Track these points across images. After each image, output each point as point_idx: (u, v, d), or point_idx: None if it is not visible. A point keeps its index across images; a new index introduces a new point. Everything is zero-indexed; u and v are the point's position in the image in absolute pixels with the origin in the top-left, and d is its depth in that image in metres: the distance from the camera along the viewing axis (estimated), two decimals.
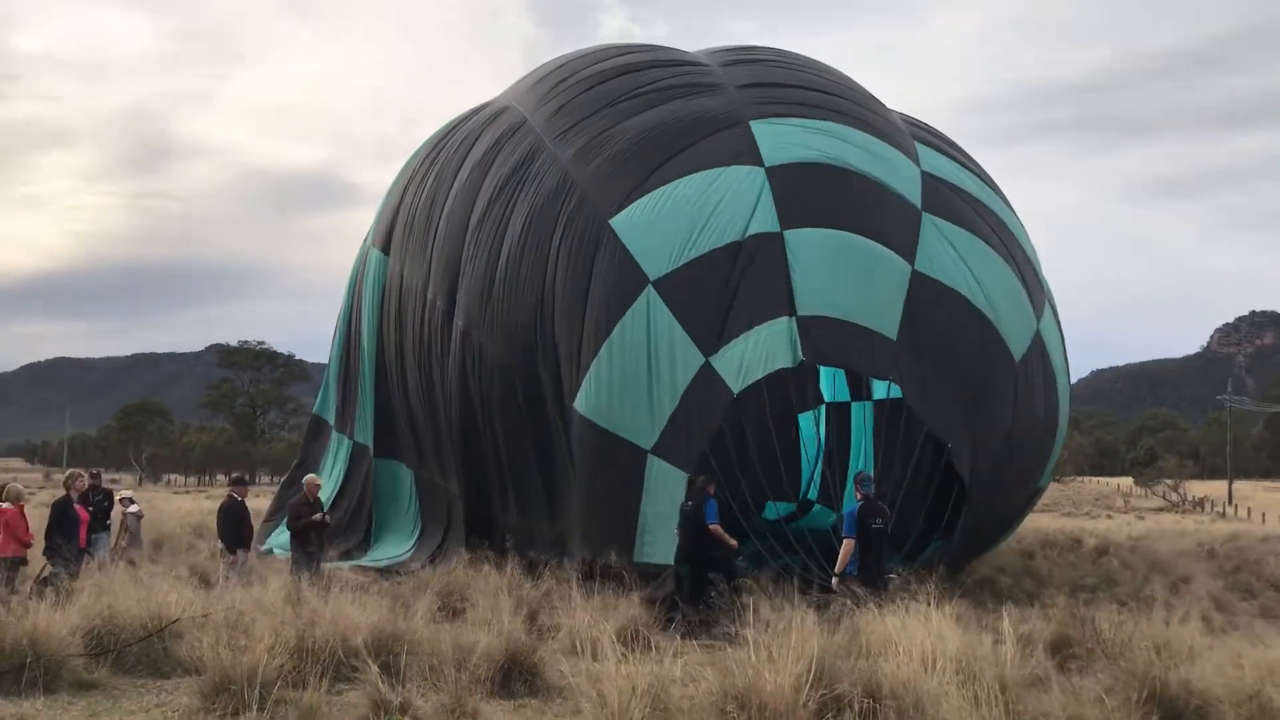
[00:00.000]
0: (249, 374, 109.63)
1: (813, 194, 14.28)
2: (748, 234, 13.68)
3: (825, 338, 13.29)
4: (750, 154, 14.62)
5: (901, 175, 15.28)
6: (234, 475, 15.40)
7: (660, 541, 12.36)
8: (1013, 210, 17.39)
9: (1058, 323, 16.62)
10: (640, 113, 15.42)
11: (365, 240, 20.43)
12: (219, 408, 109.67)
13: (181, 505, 37.33)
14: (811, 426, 18.97)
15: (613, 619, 9.64)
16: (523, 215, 14.88)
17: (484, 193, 15.92)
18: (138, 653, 8.45)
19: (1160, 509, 62.52)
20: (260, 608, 8.55)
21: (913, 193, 15.10)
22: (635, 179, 14.34)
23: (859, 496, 11.17)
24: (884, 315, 13.64)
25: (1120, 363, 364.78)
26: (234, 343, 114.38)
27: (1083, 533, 27.33)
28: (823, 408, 18.63)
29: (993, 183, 17.62)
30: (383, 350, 18.43)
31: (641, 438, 12.72)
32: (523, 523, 14.67)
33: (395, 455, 18.18)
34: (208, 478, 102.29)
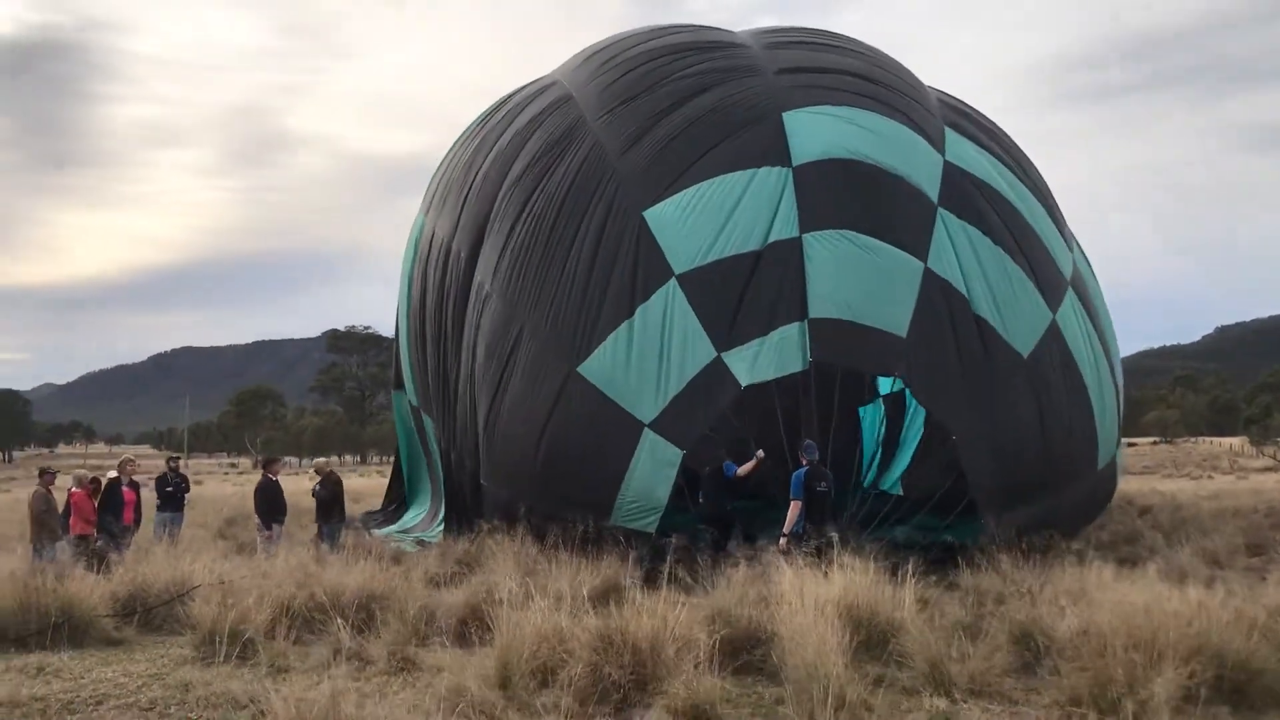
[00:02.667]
0: (357, 358, 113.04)
1: (834, 194, 14.92)
2: (768, 242, 14.46)
3: (834, 339, 13.90)
4: (778, 153, 15.27)
5: (923, 166, 15.70)
6: (265, 457, 16.73)
7: (639, 510, 13.28)
8: (1036, 192, 17.39)
9: (1085, 307, 16.72)
10: (679, 100, 16.20)
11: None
12: (329, 391, 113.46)
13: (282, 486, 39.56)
14: (872, 419, 19.69)
15: (594, 577, 10.66)
16: (558, 185, 15.70)
17: (522, 158, 16.71)
18: (164, 614, 9.70)
19: (1268, 469, 60.88)
20: (266, 574, 9.70)
21: (931, 185, 15.55)
22: (670, 174, 15.15)
23: (804, 462, 12.01)
24: (894, 314, 14.20)
25: (1247, 318, 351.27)
26: (342, 328, 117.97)
27: (1151, 494, 27.32)
28: (879, 400, 19.25)
29: (1019, 164, 17.74)
30: (412, 303, 19.43)
31: (642, 411, 13.57)
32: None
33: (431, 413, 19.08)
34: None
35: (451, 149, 20.55)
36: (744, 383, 13.62)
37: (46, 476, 13.92)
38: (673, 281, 14.21)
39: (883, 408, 19.25)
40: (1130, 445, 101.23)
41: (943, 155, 16.18)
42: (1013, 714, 6.31)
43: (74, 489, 13.79)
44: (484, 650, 7.94)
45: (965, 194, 15.81)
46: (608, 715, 6.15)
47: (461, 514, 16.50)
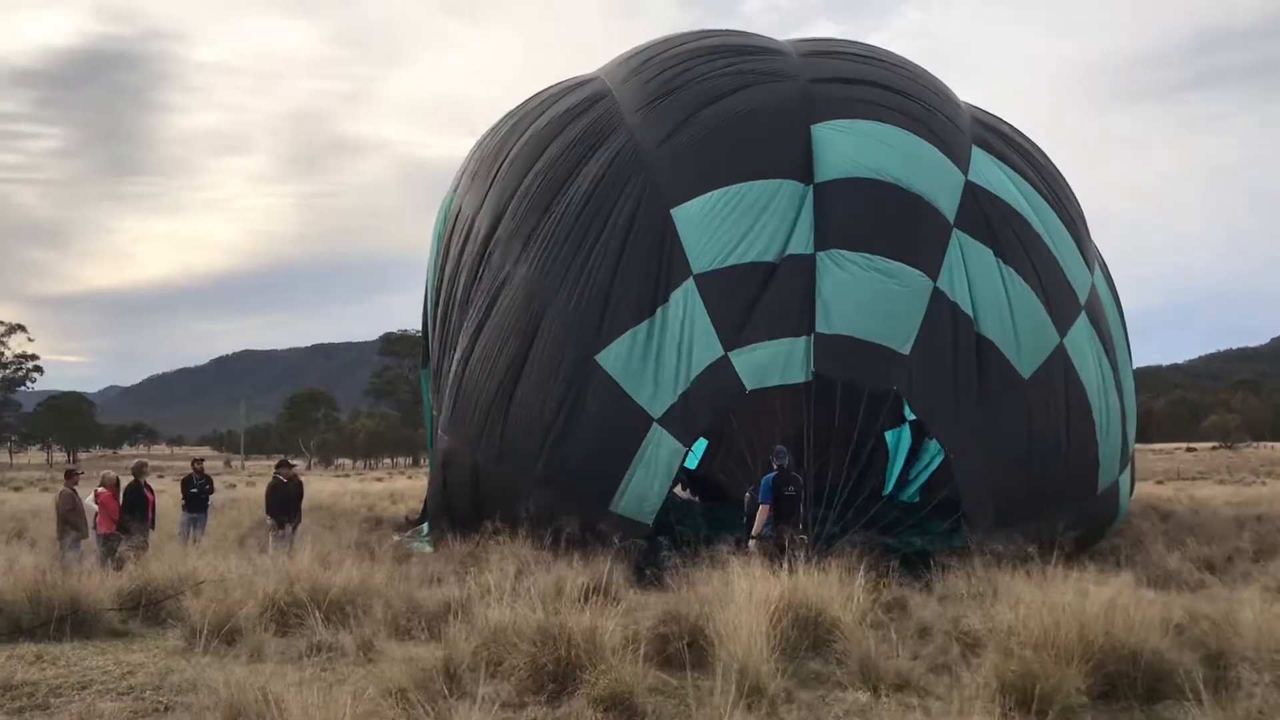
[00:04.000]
0: (409, 361, 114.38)
1: (851, 214, 15.38)
2: (785, 254, 14.96)
3: (838, 355, 14.37)
4: (803, 168, 15.75)
5: (943, 185, 16.05)
6: (280, 460, 17.30)
7: (637, 499, 13.81)
8: (1062, 214, 17.55)
9: (1099, 330, 16.86)
10: (713, 101, 16.67)
11: None
12: (383, 394, 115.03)
13: (324, 487, 40.43)
14: (897, 441, 19.97)
15: (580, 576, 11.11)
16: (591, 174, 16.21)
17: (555, 145, 17.19)
18: (169, 608, 10.27)
19: None
20: (262, 571, 10.25)
21: (949, 205, 15.87)
22: (699, 174, 15.70)
23: (775, 466, 12.39)
24: (900, 331, 14.62)
25: None
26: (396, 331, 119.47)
27: (1185, 500, 27.18)
28: (905, 425, 19.52)
29: (1048, 184, 17.89)
30: (437, 277, 19.70)
31: (652, 406, 14.11)
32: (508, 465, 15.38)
33: None
34: (373, 461, 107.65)
35: (486, 133, 20.82)
36: (749, 387, 14.05)
37: (71, 477, 14.64)
38: (690, 281, 14.68)
39: (909, 431, 19.58)
40: (1189, 450, 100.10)
41: (965, 175, 16.42)
42: (925, 709, 6.63)
43: (100, 489, 14.48)
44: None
45: (983, 215, 16.04)
46: (541, 704, 6.58)
47: (455, 503, 16.56)
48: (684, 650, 7.39)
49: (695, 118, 16.39)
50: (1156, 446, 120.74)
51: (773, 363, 14.21)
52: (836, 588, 8.55)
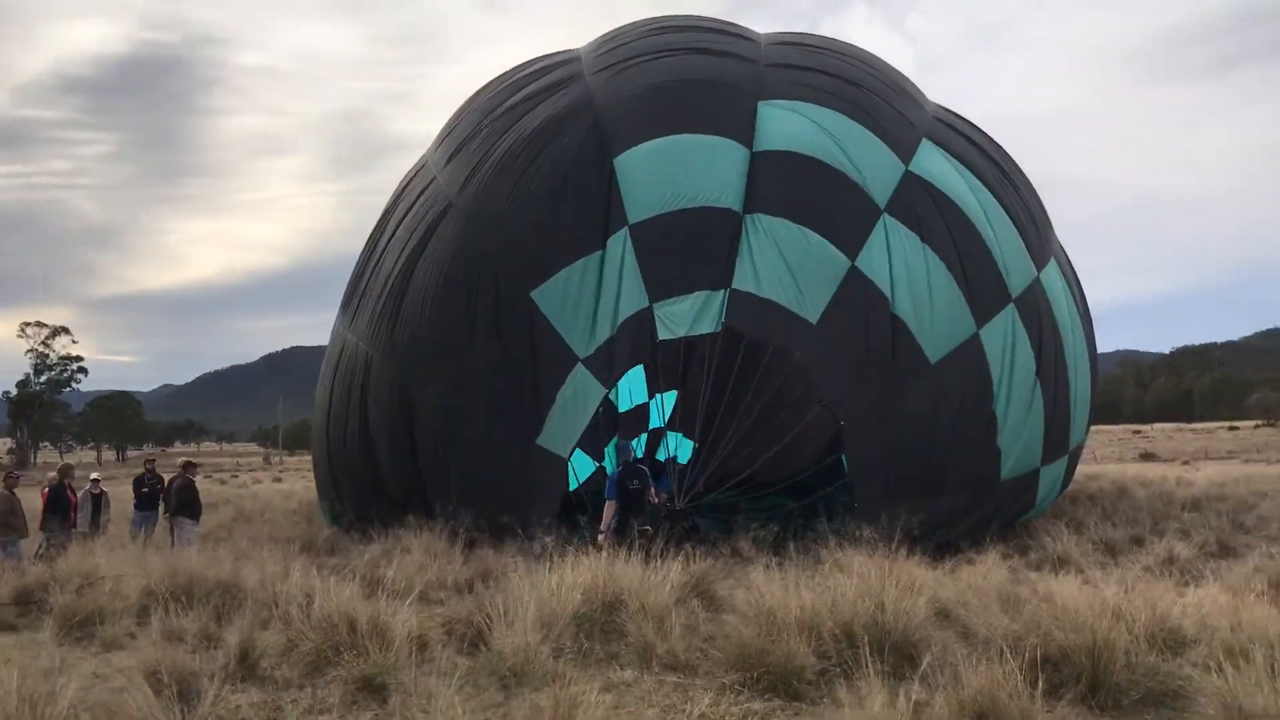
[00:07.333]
0: None
1: (781, 184, 15.93)
2: (715, 207, 15.51)
3: (748, 312, 14.98)
4: (745, 135, 16.32)
5: (877, 171, 16.48)
6: (184, 460, 17.90)
7: (557, 434, 14.47)
8: (1011, 212, 17.70)
9: (1028, 326, 16.80)
10: (669, 65, 17.60)
11: None
12: None
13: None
14: None
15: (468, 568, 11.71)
16: (538, 116, 16.98)
17: (515, 97, 18.02)
18: (67, 603, 10.94)
19: None
20: (143, 567, 10.92)
21: (881, 191, 16.27)
22: (644, 122, 16.45)
23: (620, 463, 12.87)
24: (809, 301, 15.14)
25: None
26: None
27: (1175, 482, 27.11)
28: None
29: (1003, 182, 18.17)
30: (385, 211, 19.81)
31: (578, 346, 14.82)
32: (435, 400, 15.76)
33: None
34: None
35: None
36: (660, 336, 14.85)
37: (10, 479, 15.36)
38: (625, 230, 15.34)
39: None
40: (1231, 429, 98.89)
41: (906, 165, 16.80)
42: (672, 683, 7.10)
43: (44, 490, 15.24)
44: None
45: (918, 203, 16.41)
46: (317, 688, 7.10)
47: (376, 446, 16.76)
48: (478, 636, 7.89)
49: (648, 77, 17.26)
50: (1198, 426, 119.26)
51: (687, 313, 14.95)
52: (643, 573, 9.04)
